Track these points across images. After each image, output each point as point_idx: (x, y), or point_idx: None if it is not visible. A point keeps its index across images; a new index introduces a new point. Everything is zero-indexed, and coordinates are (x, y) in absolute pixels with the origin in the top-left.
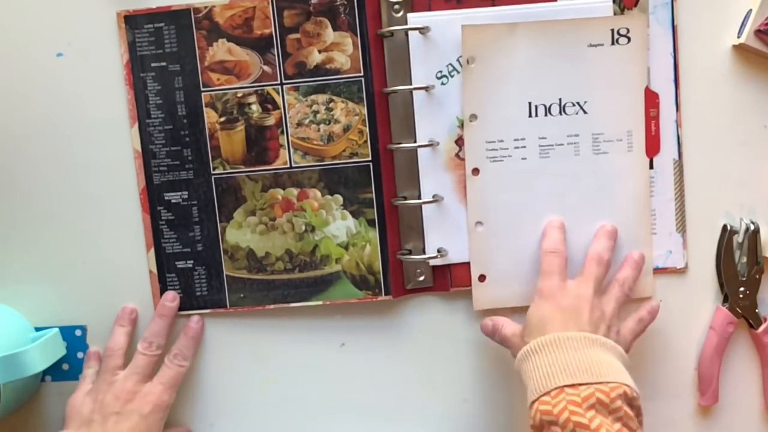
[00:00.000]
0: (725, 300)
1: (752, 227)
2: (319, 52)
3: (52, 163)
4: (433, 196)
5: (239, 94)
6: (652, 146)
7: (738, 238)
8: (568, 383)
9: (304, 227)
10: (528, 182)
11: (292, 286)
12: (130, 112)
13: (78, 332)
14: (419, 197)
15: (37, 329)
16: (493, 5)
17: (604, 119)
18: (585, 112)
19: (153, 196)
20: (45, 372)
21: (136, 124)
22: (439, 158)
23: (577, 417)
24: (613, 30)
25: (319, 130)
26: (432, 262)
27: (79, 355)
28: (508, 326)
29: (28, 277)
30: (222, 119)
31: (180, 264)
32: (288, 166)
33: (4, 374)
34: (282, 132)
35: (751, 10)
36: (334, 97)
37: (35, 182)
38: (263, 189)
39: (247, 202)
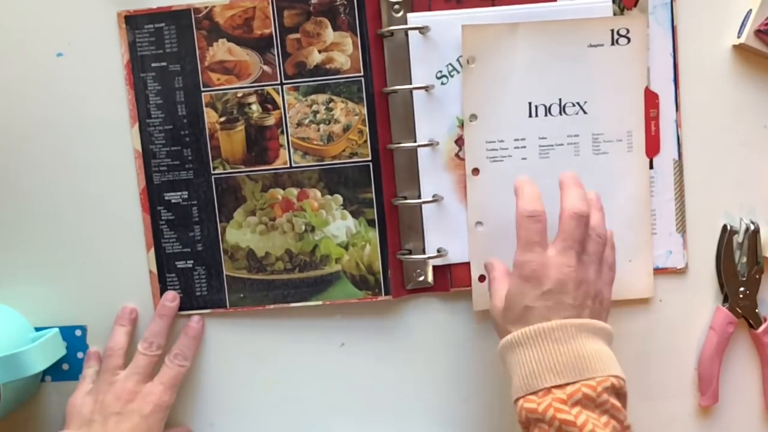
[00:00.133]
0: (725, 300)
1: (752, 227)
2: (319, 52)
3: (52, 163)
4: (433, 196)
5: (239, 94)
6: (652, 146)
7: (738, 238)
8: (555, 384)
9: (304, 227)
10: None
11: (292, 286)
12: (130, 112)
13: (78, 332)
14: (419, 197)
15: (37, 329)
16: (493, 5)
17: (604, 119)
18: (585, 113)
19: (153, 196)
20: (45, 372)
21: (137, 124)
22: (439, 158)
23: (562, 414)
24: (613, 30)
25: (319, 130)
26: (432, 262)
27: (79, 355)
28: (496, 294)
29: (28, 277)
30: (222, 119)
31: (180, 264)
32: (288, 166)
33: (4, 374)
34: (282, 132)
35: (751, 10)
36: (334, 97)
37: (35, 182)
38: (263, 189)
39: (247, 202)
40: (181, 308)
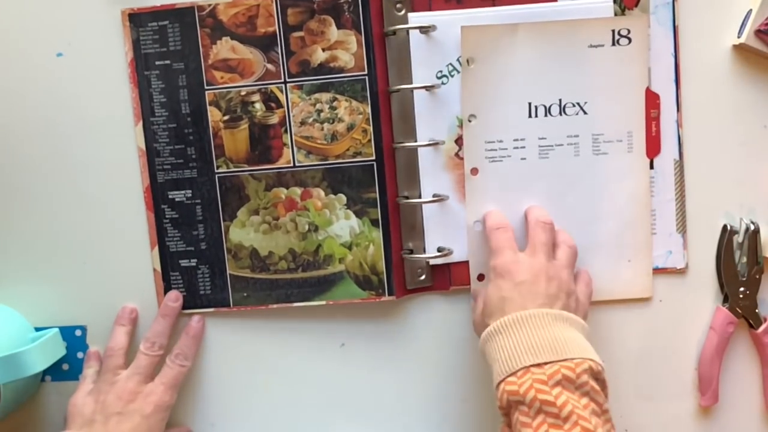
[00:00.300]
0: (725, 300)
1: (752, 227)
2: (323, 50)
3: (53, 162)
4: (434, 196)
5: (243, 93)
6: (653, 147)
7: (738, 238)
8: (533, 363)
9: (307, 227)
10: (527, 182)
11: (295, 285)
12: (134, 110)
13: (78, 332)
14: (419, 197)
15: (37, 329)
16: (494, 5)
17: (604, 120)
18: (585, 113)
19: (157, 195)
20: (45, 372)
21: (140, 123)
22: (439, 158)
23: (543, 395)
24: (613, 30)
25: (322, 129)
26: (434, 261)
27: (79, 355)
28: (480, 301)
29: (28, 277)
30: (226, 118)
31: (184, 263)
32: (291, 165)
33: (4, 374)
34: (285, 131)
35: (751, 10)
36: (337, 96)
37: (36, 182)
38: (267, 188)
39: (251, 201)
40: (184, 307)
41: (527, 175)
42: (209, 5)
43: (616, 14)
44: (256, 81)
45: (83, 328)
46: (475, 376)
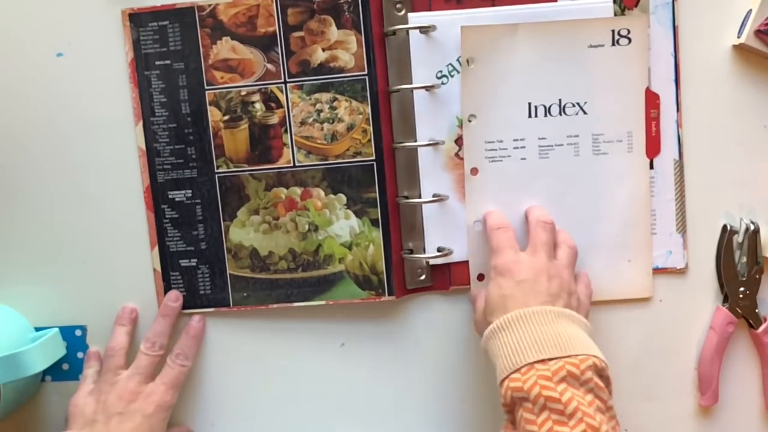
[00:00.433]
0: (725, 300)
1: (752, 227)
2: (323, 50)
3: (53, 162)
4: (434, 195)
5: (243, 93)
6: (653, 147)
7: (738, 238)
8: (537, 359)
9: (307, 226)
10: (527, 182)
11: (296, 285)
12: (134, 110)
13: (78, 332)
14: (419, 197)
15: (37, 329)
16: (494, 5)
17: (604, 120)
18: (585, 113)
19: (157, 195)
20: (45, 372)
21: (141, 123)
22: (439, 158)
23: (548, 391)
24: (613, 31)
25: (322, 129)
26: (434, 261)
27: (79, 355)
28: (480, 300)
29: (28, 277)
30: (226, 117)
31: (184, 262)
32: (291, 165)
33: (4, 374)
34: (285, 131)
35: (751, 10)
36: (337, 96)
37: (36, 182)
38: (267, 188)
39: (251, 201)
40: (184, 307)
41: (527, 175)
42: (209, 5)
43: (616, 14)
44: (256, 81)
45: (83, 328)
46: (475, 376)
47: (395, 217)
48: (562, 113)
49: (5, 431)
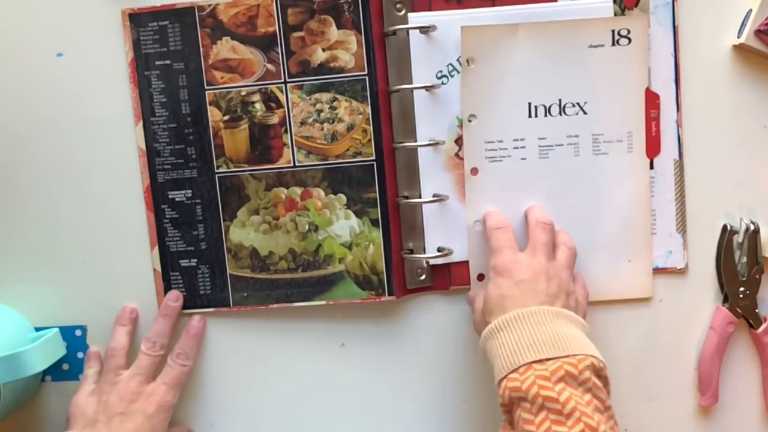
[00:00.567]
0: (725, 300)
1: (752, 227)
2: (323, 50)
3: (53, 162)
4: (434, 195)
5: (243, 93)
6: (653, 147)
7: (738, 238)
8: (535, 359)
9: (307, 226)
10: (527, 182)
11: (296, 285)
12: (134, 110)
13: (78, 332)
14: (419, 197)
15: (37, 329)
16: (494, 5)
17: (604, 120)
18: (585, 113)
19: (157, 195)
20: (45, 372)
21: (141, 123)
22: (439, 158)
23: (546, 391)
24: (613, 31)
25: (322, 129)
26: (434, 261)
27: (79, 355)
28: (479, 300)
29: (28, 277)
30: (226, 118)
31: (184, 262)
32: (291, 165)
33: (4, 374)
34: (286, 131)
35: (751, 10)
36: (338, 96)
37: (36, 182)
38: (267, 188)
39: (251, 201)
40: (184, 307)
41: (527, 175)
42: (209, 5)
43: (616, 14)
44: (256, 81)
45: (83, 328)
46: (474, 376)
47: (395, 217)
48: (562, 113)
49: (5, 431)
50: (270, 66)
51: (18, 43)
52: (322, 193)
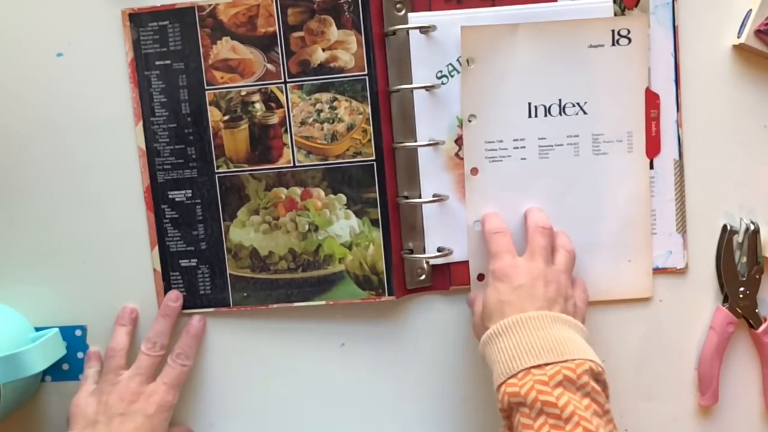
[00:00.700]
0: (725, 300)
1: (752, 227)
2: (323, 50)
3: (53, 162)
4: (434, 196)
5: (243, 93)
6: (653, 147)
7: (738, 238)
8: (534, 364)
9: (307, 226)
10: (527, 182)
11: (296, 285)
12: (134, 110)
13: (78, 332)
14: (419, 197)
15: (37, 329)
16: (494, 5)
17: (604, 120)
18: (585, 113)
19: (157, 195)
20: (45, 372)
21: (141, 123)
22: (439, 158)
23: (544, 396)
24: (613, 31)
25: (322, 129)
26: (434, 261)
27: (79, 355)
28: (478, 304)
29: (28, 277)
30: (226, 118)
31: (184, 262)
32: (291, 165)
33: (4, 374)
34: (286, 131)
35: (751, 10)
36: (338, 96)
37: (35, 182)
38: (267, 188)
39: (251, 201)
40: (184, 307)
41: (527, 175)
42: (209, 5)
43: (616, 14)
44: (256, 81)
45: (83, 328)
46: (475, 376)
47: (395, 217)
48: (562, 113)
49: (5, 431)
50: (270, 66)
51: (18, 43)
52: (322, 193)
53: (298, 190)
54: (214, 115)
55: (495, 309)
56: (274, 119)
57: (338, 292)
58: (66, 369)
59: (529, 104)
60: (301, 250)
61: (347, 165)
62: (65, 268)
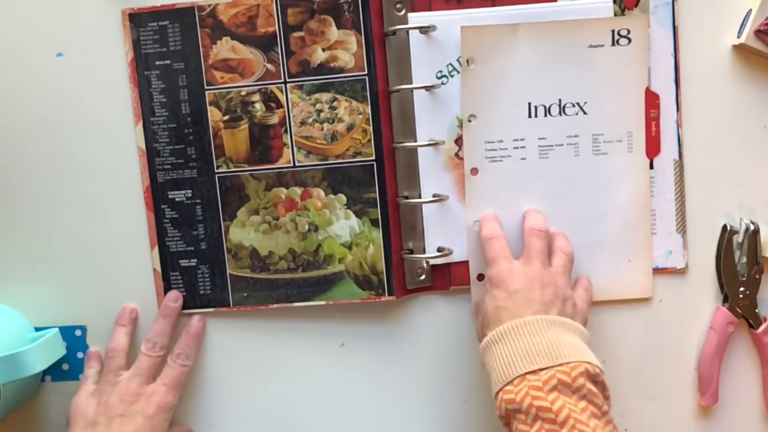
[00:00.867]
0: (725, 300)
1: (752, 227)
2: (323, 50)
3: (53, 162)
4: (434, 196)
5: (243, 93)
6: (653, 147)
7: (738, 238)
8: (529, 370)
9: (307, 226)
10: (527, 182)
11: (295, 285)
12: (134, 111)
13: (78, 332)
14: (419, 197)
15: (37, 329)
16: (494, 5)
17: (604, 120)
18: (585, 113)
19: (157, 195)
20: (45, 372)
21: (141, 123)
22: (439, 158)
23: (539, 401)
24: (613, 31)
25: (322, 129)
26: (434, 261)
27: (79, 355)
28: (480, 312)
29: (28, 277)
30: (226, 118)
31: (184, 263)
32: (291, 165)
33: (4, 374)
34: (285, 131)
35: (751, 10)
36: (337, 96)
37: (35, 182)
38: (267, 188)
39: (251, 201)
40: (184, 307)
41: (527, 175)
42: (209, 5)
43: (616, 14)
44: (256, 81)
45: (83, 328)
46: (475, 377)
47: (395, 217)
48: (562, 113)
49: (5, 431)
50: (270, 66)
51: (18, 43)
52: (322, 193)
53: (298, 190)
54: (214, 115)
55: (492, 316)
56: (274, 119)
57: (338, 292)
58: (66, 369)
59: (529, 104)
60: (301, 250)
61: (347, 165)
62: (65, 268)
